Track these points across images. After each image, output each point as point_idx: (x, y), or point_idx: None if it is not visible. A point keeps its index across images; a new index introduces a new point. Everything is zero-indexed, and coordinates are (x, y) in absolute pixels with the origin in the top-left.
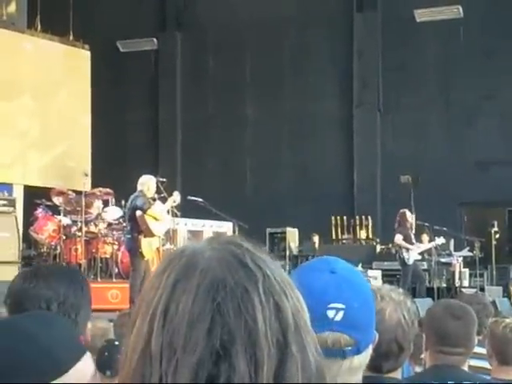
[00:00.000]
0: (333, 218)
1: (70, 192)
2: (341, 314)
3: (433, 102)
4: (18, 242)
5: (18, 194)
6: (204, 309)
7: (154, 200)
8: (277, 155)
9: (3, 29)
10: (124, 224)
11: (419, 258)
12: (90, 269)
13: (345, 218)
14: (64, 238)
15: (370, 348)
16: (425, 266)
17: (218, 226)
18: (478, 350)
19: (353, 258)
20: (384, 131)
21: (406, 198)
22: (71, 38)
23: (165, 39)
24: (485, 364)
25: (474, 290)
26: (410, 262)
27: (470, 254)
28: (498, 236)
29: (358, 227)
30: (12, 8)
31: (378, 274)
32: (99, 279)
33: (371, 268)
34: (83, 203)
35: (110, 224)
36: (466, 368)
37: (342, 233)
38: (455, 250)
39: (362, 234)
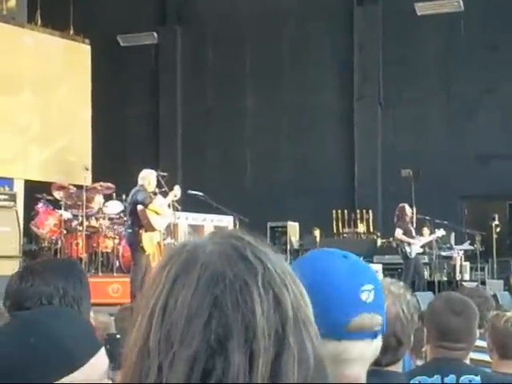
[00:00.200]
0: (334, 211)
1: (70, 186)
2: (372, 295)
3: (433, 96)
4: (19, 237)
5: (19, 189)
6: (202, 303)
7: (155, 194)
8: (277, 148)
9: (3, 23)
10: (125, 218)
11: (421, 251)
12: (91, 263)
13: (345, 211)
14: (65, 232)
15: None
16: (426, 259)
17: (219, 220)
18: (478, 343)
19: (354, 252)
20: (385, 125)
21: (407, 192)
22: (71, 32)
23: (165, 33)
24: (485, 357)
25: (475, 284)
26: (413, 255)
27: (471, 247)
28: (498, 229)
29: (358, 221)
30: (12, 2)
31: (379, 267)
32: (100, 273)
33: (372, 262)
34: (84, 197)
35: (110, 218)
36: (467, 361)
37: (343, 227)
38: (456, 244)
39: (363, 228)
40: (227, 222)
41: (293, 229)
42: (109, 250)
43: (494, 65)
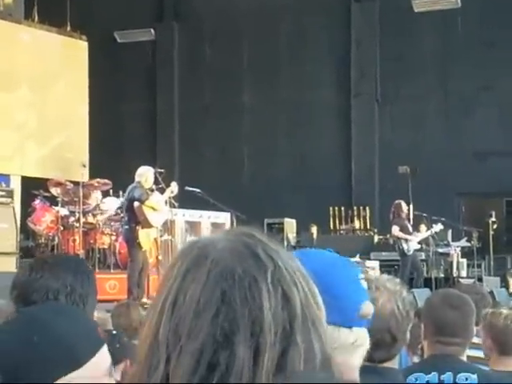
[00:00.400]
0: (331, 208)
1: (67, 183)
2: (365, 283)
3: (431, 93)
4: (16, 233)
5: (16, 185)
6: (211, 297)
7: (152, 191)
8: (274, 144)
9: (0, 20)
10: (122, 215)
11: (418, 247)
12: (88, 259)
13: (342, 208)
14: (62, 228)
15: (354, 330)
16: (423, 256)
17: (216, 216)
18: (474, 339)
19: (351, 249)
20: (382, 121)
21: (404, 189)
22: (68, 28)
23: (162, 29)
24: (480, 354)
25: (472, 281)
26: (410, 252)
27: (468, 244)
28: (495, 226)
29: (355, 218)
30: None
31: (376, 264)
32: (97, 270)
33: (369, 258)
34: (81, 194)
35: (107, 215)
36: (464, 358)
37: (340, 223)
38: (453, 241)
39: (360, 225)
40: (224, 218)
41: (290, 225)
42: (106, 247)
43: (491, 61)
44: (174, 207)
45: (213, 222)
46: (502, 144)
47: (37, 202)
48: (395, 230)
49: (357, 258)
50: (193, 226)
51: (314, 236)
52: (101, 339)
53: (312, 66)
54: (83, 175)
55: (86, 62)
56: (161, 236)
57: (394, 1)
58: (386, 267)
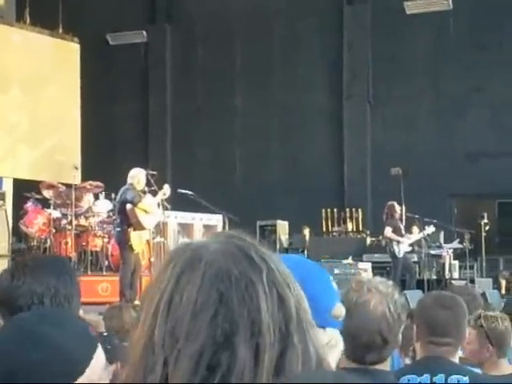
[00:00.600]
0: (323, 210)
1: (59, 185)
2: (336, 285)
3: (422, 94)
4: (8, 236)
5: (8, 188)
6: (208, 299)
7: (144, 193)
8: (266, 147)
9: None
10: (114, 217)
11: (409, 249)
12: (80, 262)
13: (335, 210)
14: (54, 231)
15: (328, 330)
16: (415, 258)
17: (208, 218)
18: None
19: (343, 251)
20: (374, 123)
21: (397, 191)
22: (60, 30)
23: (154, 31)
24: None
25: (464, 282)
26: (401, 254)
27: (460, 245)
28: (487, 228)
29: (348, 220)
30: (0, 1)
31: (368, 266)
32: (89, 272)
33: (361, 260)
34: (73, 196)
35: (100, 217)
36: (456, 359)
37: (333, 225)
38: (445, 242)
39: (352, 227)
40: (216, 220)
41: (282, 227)
42: (98, 249)
43: (482, 63)
44: (167, 209)
45: (205, 224)
46: (493, 145)
47: (29, 205)
48: (388, 231)
49: (349, 260)
50: (185, 228)
51: (307, 238)
52: (95, 338)
53: (304, 68)
54: (75, 177)
55: (78, 64)
56: (153, 238)
57: (385, 3)
58: (379, 269)
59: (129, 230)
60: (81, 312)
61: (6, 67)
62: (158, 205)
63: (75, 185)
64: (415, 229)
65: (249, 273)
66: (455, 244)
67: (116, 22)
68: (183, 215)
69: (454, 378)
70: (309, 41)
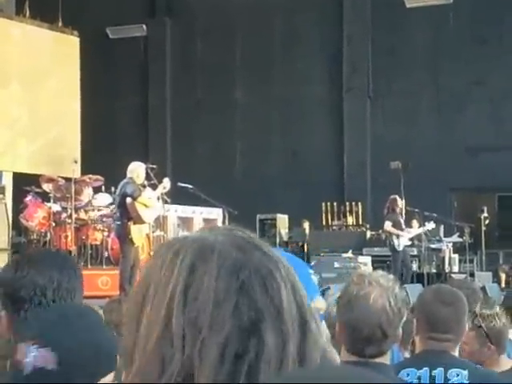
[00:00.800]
0: (323, 204)
1: (59, 179)
2: (316, 279)
3: (422, 88)
4: (8, 230)
5: (8, 181)
6: (229, 287)
7: (144, 187)
8: (266, 140)
9: None
10: (114, 211)
11: (409, 243)
12: (80, 256)
13: (335, 204)
14: (54, 224)
15: None
16: (415, 251)
17: (208, 212)
18: None
19: (343, 244)
20: (374, 117)
21: (396, 184)
22: (60, 24)
23: (154, 25)
24: None
25: (464, 276)
26: (400, 248)
27: (460, 239)
28: (487, 222)
29: (348, 213)
30: None
31: (368, 259)
32: (89, 266)
33: (361, 254)
34: (73, 190)
35: (100, 211)
36: (456, 353)
37: (332, 219)
38: (445, 236)
39: (352, 220)
40: (216, 214)
41: (282, 221)
42: (98, 243)
43: (482, 57)
44: (167, 203)
45: (205, 217)
46: (493, 139)
47: (29, 198)
48: (388, 225)
49: (349, 254)
50: (185, 222)
51: (307, 232)
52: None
53: (304, 61)
54: (75, 171)
55: (78, 58)
56: (153, 232)
57: None
58: (378, 263)
59: (129, 223)
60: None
61: (5, 61)
62: (158, 198)
63: (75, 178)
64: (415, 223)
65: (266, 263)
66: (455, 238)
67: (116, 16)
68: (183, 209)
69: (453, 371)
70: (308, 34)
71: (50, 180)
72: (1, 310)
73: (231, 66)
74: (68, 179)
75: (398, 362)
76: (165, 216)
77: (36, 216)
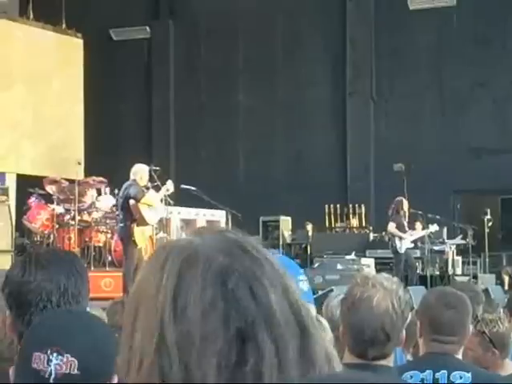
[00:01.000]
0: (326, 206)
1: (63, 181)
2: (306, 285)
3: (426, 90)
4: (12, 231)
5: (11, 183)
6: (216, 296)
7: (148, 189)
8: (270, 143)
9: None
10: (117, 212)
11: (411, 246)
12: (84, 257)
13: (338, 206)
14: (57, 226)
15: None
16: (418, 253)
17: (211, 214)
18: None
19: (346, 246)
20: (377, 119)
21: (400, 186)
22: (64, 26)
23: (158, 27)
24: None
25: (467, 278)
26: (402, 250)
27: (463, 241)
28: (490, 224)
29: (351, 215)
30: None
31: (371, 262)
32: (92, 268)
33: (364, 256)
34: (76, 192)
35: (103, 212)
36: (459, 356)
37: (336, 221)
38: (448, 238)
39: (356, 223)
40: (219, 216)
41: (285, 223)
42: (101, 245)
43: (486, 58)
44: (170, 205)
45: (208, 219)
46: (497, 141)
47: (32, 200)
48: (391, 226)
49: (352, 256)
50: (188, 224)
51: (310, 234)
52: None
53: (307, 64)
54: (78, 173)
55: (82, 60)
56: (156, 234)
57: None
58: (382, 265)
59: (132, 225)
60: (87, 309)
61: (9, 63)
62: (161, 200)
63: (78, 180)
64: (418, 225)
65: (252, 267)
66: (458, 240)
67: (119, 18)
68: (186, 211)
69: (456, 374)
70: (312, 37)
71: (54, 182)
72: (6, 309)
73: (235, 68)
74: (71, 181)
75: (401, 365)
76: (168, 218)
77: (39, 218)
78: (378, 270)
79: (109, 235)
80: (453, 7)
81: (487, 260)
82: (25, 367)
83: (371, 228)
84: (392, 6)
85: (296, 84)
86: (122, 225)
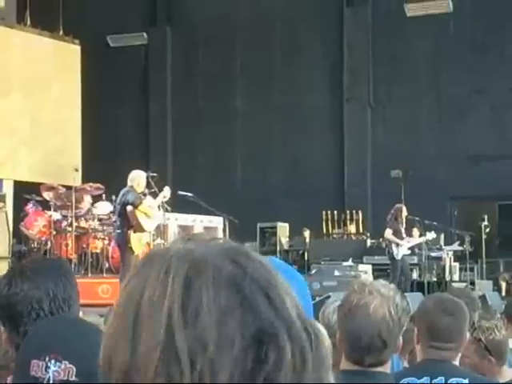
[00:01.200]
0: (323, 212)
1: (60, 187)
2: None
3: (423, 96)
4: (9, 238)
5: (8, 190)
6: (231, 302)
7: (145, 195)
8: (267, 149)
9: None
10: (114, 219)
11: (408, 253)
12: (81, 264)
13: (335, 212)
14: (54, 233)
15: None
16: (415, 260)
17: (209, 220)
18: None
19: (343, 253)
20: (374, 125)
21: (397, 193)
22: (61, 33)
23: (155, 34)
24: None
25: (465, 284)
26: (399, 257)
27: (461, 248)
28: (488, 230)
29: (348, 222)
30: (1, 3)
31: (369, 268)
32: (90, 274)
33: (362, 262)
34: (73, 198)
35: (100, 219)
36: (457, 362)
37: (333, 227)
38: (445, 244)
39: (353, 229)
40: (217, 222)
41: (283, 230)
42: (98, 251)
43: (483, 65)
44: (167, 211)
45: (206, 226)
46: (494, 147)
47: (29, 207)
48: (388, 233)
49: (349, 262)
50: (185, 230)
51: (307, 240)
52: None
53: (305, 70)
54: (75, 179)
55: (79, 67)
56: (153, 240)
57: (386, 5)
58: (379, 271)
59: (129, 232)
60: (81, 314)
61: (6, 69)
62: (159, 207)
63: (75, 187)
64: (415, 231)
65: (264, 274)
66: (455, 246)
67: (117, 24)
68: (183, 217)
69: (453, 380)
70: (309, 43)
71: (51, 188)
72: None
73: (232, 74)
74: (68, 187)
75: (398, 371)
76: (165, 224)
77: (36, 224)
78: (375, 277)
79: (106, 242)
80: (450, 14)
81: (484, 266)
82: (23, 375)
83: (368, 234)
84: (389, 12)
85: (293, 90)
86: (119, 231)
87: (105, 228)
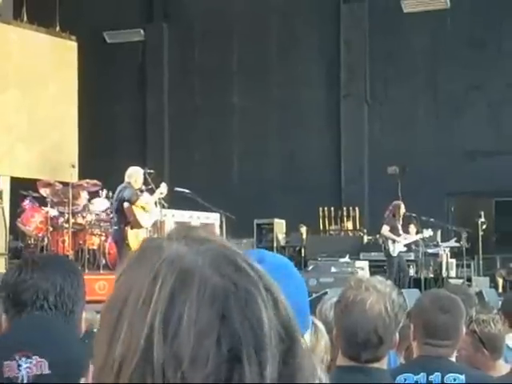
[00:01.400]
0: (320, 208)
1: (57, 183)
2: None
3: (420, 93)
4: (5, 234)
5: (5, 186)
6: (211, 320)
7: (142, 191)
8: (264, 145)
9: None
10: (111, 215)
11: (404, 249)
12: (78, 260)
13: (332, 208)
14: (51, 229)
15: (307, 334)
16: (412, 256)
17: (206, 217)
18: None
19: (340, 249)
20: (371, 122)
21: (394, 189)
22: (58, 29)
23: (152, 30)
24: None
25: (461, 281)
26: (395, 253)
27: (457, 244)
28: (484, 226)
29: (345, 218)
30: None
31: (365, 264)
32: (86, 270)
33: (358, 259)
34: (70, 194)
35: (97, 215)
36: (453, 359)
37: (330, 224)
38: (442, 241)
39: (350, 225)
40: (214, 219)
41: (279, 226)
42: (95, 247)
43: (480, 61)
44: (164, 208)
45: (202, 222)
46: (491, 144)
47: (26, 203)
48: (385, 229)
49: (346, 259)
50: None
51: (304, 236)
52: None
53: (302, 66)
54: (72, 176)
55: (76, 63)
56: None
57: (383, 1)
58: (376, 267)
59: (126, 228)
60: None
61: (3, 66)
62: (156, 203)
63: (72, 183)
64: (412, 227)
65: (245, 285)
66: (452, 242)
67: (113, 20)
68: (180, 213)
69: (450, 376)
70: (306, 39)
71: (48, 185)
72: (1, 313)
73: (229, 70)
74: (65, 184)
75: (394, 367)
76: (162, 221)
77: (33, 220)
78: (372, 273)
79: (103, 238)
80: (447, 10)
81: (481, 263)
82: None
83: (365, 231)
84: (386, 8)
85: (290, 86)
86: (116, 227)
87: (101, 224)
